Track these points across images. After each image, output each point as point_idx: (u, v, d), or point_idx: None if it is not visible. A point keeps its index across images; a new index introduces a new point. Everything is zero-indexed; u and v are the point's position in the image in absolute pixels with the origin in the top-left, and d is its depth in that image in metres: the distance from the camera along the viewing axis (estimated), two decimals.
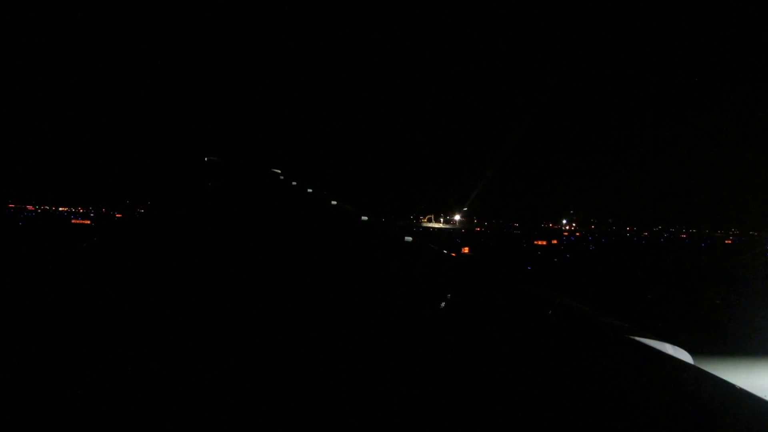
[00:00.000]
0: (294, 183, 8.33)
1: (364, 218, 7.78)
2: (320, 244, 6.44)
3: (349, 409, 2.24)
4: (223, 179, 8.04)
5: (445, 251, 6.74)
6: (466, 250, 66.96)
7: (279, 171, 8.61)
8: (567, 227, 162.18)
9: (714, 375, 2.72)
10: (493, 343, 3.23)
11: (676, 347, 3.53)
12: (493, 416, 2.19)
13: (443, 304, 4.11)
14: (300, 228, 7.03)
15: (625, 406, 2.34)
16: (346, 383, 2.48)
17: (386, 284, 4.62)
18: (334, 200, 8.16)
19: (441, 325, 3.61)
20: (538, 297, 4.93)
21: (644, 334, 3.63)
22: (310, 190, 8.20)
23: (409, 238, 7.20)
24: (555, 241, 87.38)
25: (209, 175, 7.88)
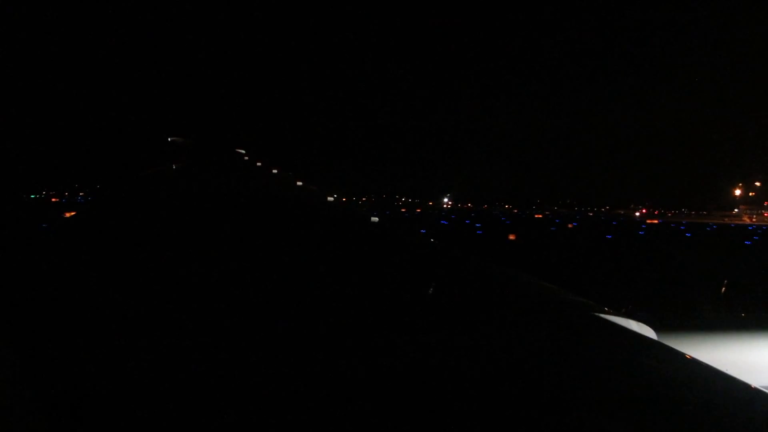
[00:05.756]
0: (258, 164, 8.44)
1: (330, 198, 8.06)
2: (286, 224, 6.66)
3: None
4: (188, 160, 8.00)
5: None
6: None
7: (243, 151, 8.67)
8: (445, 204, 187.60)
9: (678, 350, 2.80)
10: (455, 321, 3.23)
11: (641, 324, 3.54)
12: (457, 395, 2.16)
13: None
14: (267, 208, 7.18)
15: (588, 382, 2.36)
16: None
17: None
18: (299, 181, 8.36)
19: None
20: (501, 275, 5.27)
21: (608, 311, 3.64)
22: (274, 171, 8.34)
23: (375, 219, 7.60)
24: None
25: (173, 156, 7.82)
